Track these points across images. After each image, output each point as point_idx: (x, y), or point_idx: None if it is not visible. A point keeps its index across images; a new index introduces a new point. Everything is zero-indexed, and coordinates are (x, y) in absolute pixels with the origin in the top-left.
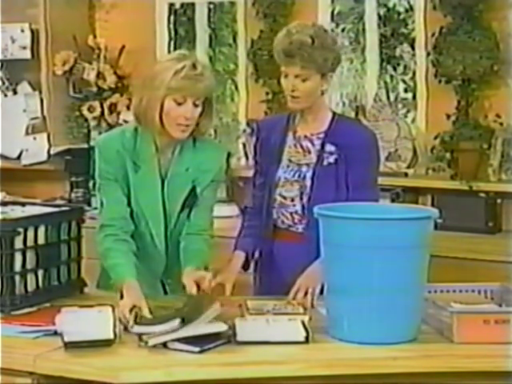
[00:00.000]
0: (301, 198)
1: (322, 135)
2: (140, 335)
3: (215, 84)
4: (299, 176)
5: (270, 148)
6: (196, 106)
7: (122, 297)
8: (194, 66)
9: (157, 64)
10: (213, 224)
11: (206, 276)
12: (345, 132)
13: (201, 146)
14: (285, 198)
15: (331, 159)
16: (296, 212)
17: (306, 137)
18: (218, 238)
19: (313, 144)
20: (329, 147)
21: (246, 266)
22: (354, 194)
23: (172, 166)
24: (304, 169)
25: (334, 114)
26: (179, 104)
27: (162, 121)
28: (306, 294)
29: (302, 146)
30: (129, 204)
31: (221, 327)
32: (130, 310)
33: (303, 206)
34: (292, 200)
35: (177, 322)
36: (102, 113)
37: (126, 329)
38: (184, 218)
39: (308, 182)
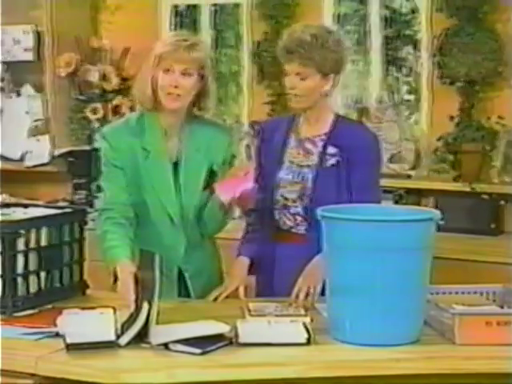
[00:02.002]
0: (302, 200)
1: (324, 137)
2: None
3: (206, 57)
4: (300, 177)
5: (272, 149)
6: (187, 75)
7: (115, 280)
8: (179, 35)
9: None
10: None
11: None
12: (347, 134)
13: (205, 125)
14: (286, 199)
15: (333, 161)
16: (298, 213)
17: (308, 139)
18: (221, 240)
19: (315, 146)
20: (330, 149)
21: (249, 272)
22: (356, 195)
23: (183, 148)
24: (305, 170)
25: (337, 115)
26: (167, 72)
27: (157, 95)
28: (307, 294)
29: (304, 148)
30: (140, 192)
31: (224, 328)
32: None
33: (305, 208)
34: (294, 201)
35: (146, 308)
36: (106, 115)
37: (125, 330)
38: (206, 197)
39: (309, 184)
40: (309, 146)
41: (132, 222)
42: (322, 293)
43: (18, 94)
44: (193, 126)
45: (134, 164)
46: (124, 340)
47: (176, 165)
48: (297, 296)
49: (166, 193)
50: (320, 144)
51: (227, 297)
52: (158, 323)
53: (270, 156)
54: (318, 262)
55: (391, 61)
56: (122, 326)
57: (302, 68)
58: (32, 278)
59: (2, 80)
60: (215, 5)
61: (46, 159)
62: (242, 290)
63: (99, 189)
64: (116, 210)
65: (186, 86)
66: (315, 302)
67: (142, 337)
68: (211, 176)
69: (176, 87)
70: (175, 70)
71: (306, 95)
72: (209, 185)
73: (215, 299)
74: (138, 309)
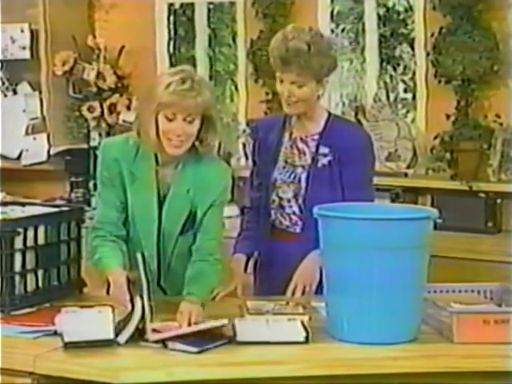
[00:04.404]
0: (296, 199)
1: (316, 137)
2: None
3: (211, 100)
4: (294, 177)
5: (266, 149)
6: (190, 122)
7: (108, 289)
8: (182, 82)
9: (155, 79)
10: (220, 247)
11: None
12: (339, 133)
13: (204, 164)
14: (281, 199)
15: (325, 161)
16: (294, 213)
17: (301, 138)
18: None
19: (307, 146)
20: (323, 149)
21: (245, 269)
22: (349, 194)
23: (173, 185)
24: (299, 170)
25: (330, 114)
26: (170, 120)
27: (160, 136)
28: (303, 291)
29: (297, 148)
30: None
31: (222, 322)
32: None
33: (300, 207)
34: (289, 201)
35: (139, 302)
36: (102, 113)
37: (123, 328)
38: (185, 241)
39: (303, 184)
40: (301, 145)
41: (125, 239)
42: (319, 291)
43: (15, 93)
44: (189, 163)
45: (121, 183)
46: (123, 338)
47: (161, 202)
48: (292, 293)
49: (144, 228)
50: (312, 144)
51: (225, 296)
52: (152, 321)
53: (265, 155)
54: (312, 259)
55: (387, 59)
56: (119, 323)
57: (300, 77)
58: (30, 277)
59: None
60: (211, 3)
61: (43, 158)
62: (240, 289)
63: (95, 188)
64: (106, 229)
65: (190, 132)
66: (310, 299)
67: (140, 334)
68: (190, 219)
69: (178, 135)
70: (178, 117)
71: (302, 101)
72: (187, 229)
73: (213, 298)
74: (133, 307)
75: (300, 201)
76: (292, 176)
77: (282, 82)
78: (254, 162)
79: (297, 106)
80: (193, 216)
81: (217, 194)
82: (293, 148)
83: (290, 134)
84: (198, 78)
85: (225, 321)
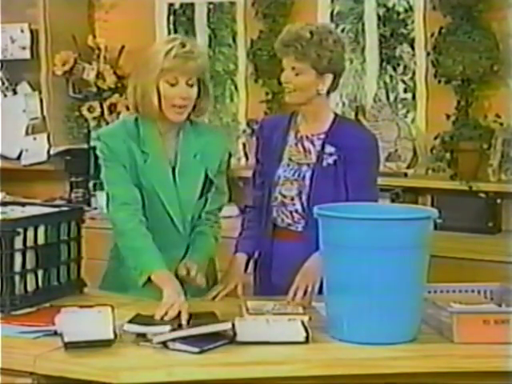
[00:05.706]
0: (300, 197)
1: (322, 136)
2: (139, 334)
3: (207, 63)
4: (299, 175)
5: (271, 147)
6: (190, 85)
7: (144, 284)
8: (182, 45)
9: (148, 49)
10: (221, 208)
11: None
12: (345, 133)
13: (201, 130)
14: (285, 196)
15: (330, 160)
16: (296, 211)
17: (307, 137)
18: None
19: (313, 144)
20: (328, 148)
21: (245, 268)
22: (353, 194)
23: (179, 154)
24: (304, 168)
25: (336, 115)
26: (172, 85)
27: (160, 105)
28: (305, 292)
29: (303, 146)
30: (141, 192)
31: (224, 326)
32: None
33: (303, 205)
34: (292, 199)
35: (167, 328)
36: (102, 113)
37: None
38: (199, 207)
39: (307, 182)
40: (307, 144)
41: (150, 222)
42: (320, 291)
43: (15, 93)
44: (188, 130)
45: (132, 166)
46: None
47: (173, 170)
48: (294, 294)
49: (165, 194)
50: (318, 143)
51: (226, 295)
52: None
53: (270, 153)
54: (315, 260)
55: (387, 59)
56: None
57: (297, 63)
58: (30, 277)
59: None
60: (211, 3)
61: (43, 158)
62: (240, 289)
63: (95, 187)
64: (133, 206)
65: (191, 96)
66: (312, 300)
67: (141, 335)
68: (207, 183)
69: (183, 99)
70: (180, 81)
71: (299, 90)
72: (204, 193)
73: (214, 298)
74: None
75: (303, 199)
76: (296, 174)
77: (283, 69)
78: (258, 161)
79: (294, 95)
80: (208, 180)
81: (221, 156)
82: (298, 146)
83: (296, 133)
84: (194, 41)
85: (228, 325)
